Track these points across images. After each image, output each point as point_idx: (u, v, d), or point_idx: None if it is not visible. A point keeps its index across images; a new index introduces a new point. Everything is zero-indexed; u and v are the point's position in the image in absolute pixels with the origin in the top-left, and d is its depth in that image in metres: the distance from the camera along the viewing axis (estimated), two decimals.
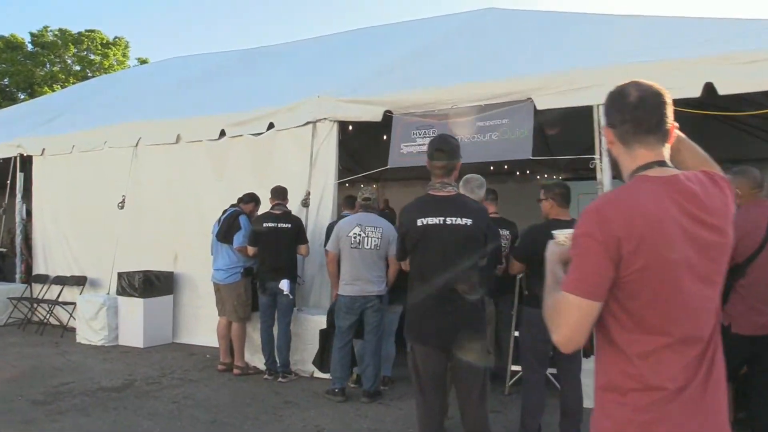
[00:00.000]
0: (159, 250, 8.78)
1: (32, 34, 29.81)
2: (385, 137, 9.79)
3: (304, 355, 6.53)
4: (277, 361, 6.38)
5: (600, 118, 5.99)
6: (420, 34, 10.21)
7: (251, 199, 6.91)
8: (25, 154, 10.65)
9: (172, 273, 8.52)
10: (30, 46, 29.41)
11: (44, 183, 10.41)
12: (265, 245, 6.34)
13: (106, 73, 28.33)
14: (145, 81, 12.81)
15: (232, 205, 6.88)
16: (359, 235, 5.45)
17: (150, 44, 59.23)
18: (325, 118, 7.40)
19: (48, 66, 28.94)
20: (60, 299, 9.48)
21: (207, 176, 8.41)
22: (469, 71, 7.39)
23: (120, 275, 8.39)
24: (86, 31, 29.48)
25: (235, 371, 6.55)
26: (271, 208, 6.48)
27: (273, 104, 7.94)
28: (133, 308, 8.19)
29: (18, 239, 10.79)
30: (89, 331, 8.45)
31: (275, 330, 6.48)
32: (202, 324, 8.37)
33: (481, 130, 6.63)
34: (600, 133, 6.00)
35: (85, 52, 29.62)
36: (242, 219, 6.57)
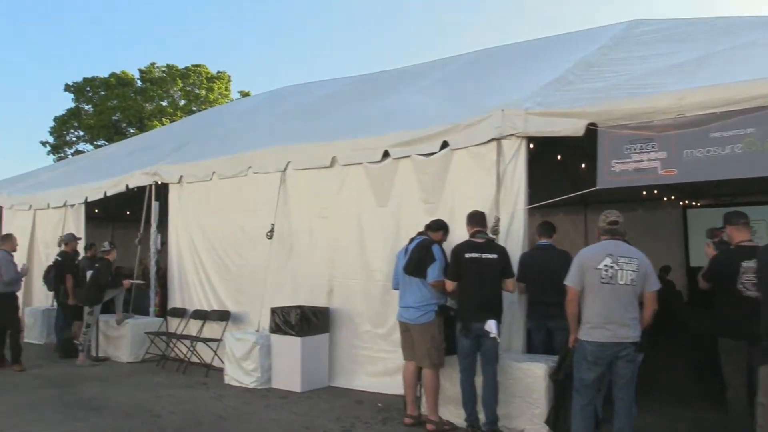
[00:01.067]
0: (311, 284, 8.08)
1: (141, 71, 30.69)
2: (560, 156, 8.85)
3: (510, 409, 5.53)
4: (481, 416, 5.41)
5: None
6: (578, 46, 9.21)
7: (440, 226, 6.05)
8: (160, 182, 10.27)
9: (327, 309, 7.74)
10: (139, 82, 30.23)
11: (181, 212, 9.96)
12: (467, 279, 5.43)
13: (211, 106, 28.69)
14: (274, 106, 12.33)
15: (420, 233, 6.02)
16: (611, 267, 4.45)
17: (248, 78, 60.64)
18: (512, 134, 6.49)
19: (156, 101, 29.59)
20: (201, 335, 8.90)
21: (367, 202, 7.64)
22: (684, 77, 6.34)
23: (274, 311, 7.68)
24: (192, 65, 30.10)
25: (429, 426, 5.61)
26: (471, 236, 5.58)
27: (446, 121, 7.10)
28: (289, 348, 7.44)
29: (152, 271, 10.34)
30: (239, 372, 7.75)
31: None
32: (361, 366, 7.56)
33: (718, 142, 5.54)
34: None
35: (191, 87, 30.17)
36: (436, 249, 5.69)
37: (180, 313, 9.62)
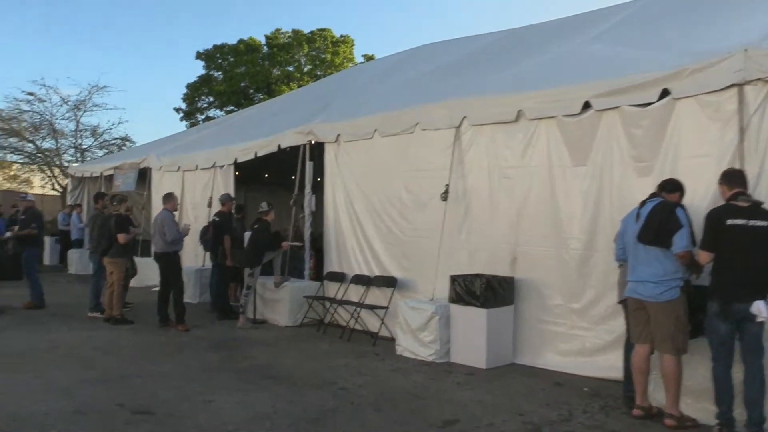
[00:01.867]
0: (490, 251, 7.35)
1: (267, 37, 30.83)
2: None
3: None
4: (736, 415, 4.51)
5: None
6: None
7: (676, 186, 5.12)
8: (314, 142, 9.82)
9: (512, 279, 7.00)
10: (266, 48, 30.39)
11: (338, 172, 9.47)
12: (728, 250, 4.50)
13: (336, 70, 28.39)
14: (425, 63, 11.54)
15: (652, 195, 5.10)
16: None
17: (370, 43, 60.44)
18: (759, 79, 5.38)
19: (283, 66, 29.65)
20: (365, 301, 8.43)
21: (560, 161, 6.77)
22: None
23: (454, 279, 7.02)
24: (318, 30, 29.86)
25: (668, 422, 4.77)
26: (731, 199, 4.62)
27: (664, 66, 6.06)
28: (473, 319, 6.78)
29: (307, 233, 9.96)
30: (415, 343, 7.19)
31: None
32: (549, 344, 6.82)
33: None
34: None
35: (316, 52, 29.98)
36: (680, 213, 4.77)
37: (338, 277, 9.20)
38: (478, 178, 7.52)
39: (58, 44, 51.94)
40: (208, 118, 31.33)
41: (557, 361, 6.69)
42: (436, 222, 7.78)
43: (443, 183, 7.71)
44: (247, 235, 9.68)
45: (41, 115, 25.07)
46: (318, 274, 10.14)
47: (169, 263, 8.80)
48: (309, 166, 9.93)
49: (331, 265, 9.52)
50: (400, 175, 8.47)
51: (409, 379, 6.20)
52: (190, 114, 32.26)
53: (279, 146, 10.43)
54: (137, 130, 59.99)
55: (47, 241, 16.95)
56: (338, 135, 9.41)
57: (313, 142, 9.87)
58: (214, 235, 9.76)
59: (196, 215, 12.73)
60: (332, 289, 9.29)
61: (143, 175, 15.03)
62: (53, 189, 26.40)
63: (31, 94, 24.52)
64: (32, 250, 10.24)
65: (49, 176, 26.30)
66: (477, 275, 6.94)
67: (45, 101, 24.96)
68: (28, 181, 28.66)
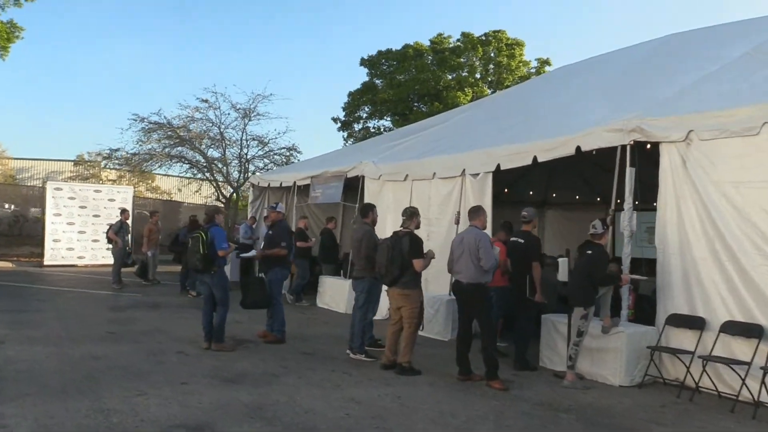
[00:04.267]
0: None
1: (432, 41, 29.00)
2: None
3: None
4: None
5: None
6: None
7: None
8: (633, 142, 7.47)
9: None
10: (431, 54, 28.52)
11: (686, 181, 7.11)
12: None
13: (512, 75, 26.09)
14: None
15: None
16: None
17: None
18: None
19: (456, 71, 27.63)
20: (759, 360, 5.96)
21: None
22: None
23: None
24: (492, 32, 27.59)
25: None
26: None
27: None
28: None
29: (626, 261, 7.58)
30: None
31: None
32: None
33: None
34: None
35: (489, 55, 27.74)
36: None
37: (692, 323, 6.78)
38: None
39: (227, 52, 53.95)
40: (366, 129, 29.89)
41: None
42: None
43: None
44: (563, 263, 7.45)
45: (212, 122, 24.32)
46: (637, 315, 7.79)
47: (481, 299, 6.69)
48: (630, 173, 7.60)
49: (674, 305, 7.09)
50: None
51: None
52: (347, 124, 30.91)
53: (578, 148, 8.14)
54: (298, 139, 60.71)
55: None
56: (689, 131, 7.02)
57: (632, 142, 7.55)
58: (515, 262, 7.57)
59: (428, 233, 10.64)
60: (680, 338, 6.90)
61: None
62: (217, 199, 25.63)
63: (204, 101, 23.81)
64: (279, 272, 8.50)
65: (214, 186, 25.54)
66: None
67: (217, 108, 24.18)
68: (174, 191, 28.38)
